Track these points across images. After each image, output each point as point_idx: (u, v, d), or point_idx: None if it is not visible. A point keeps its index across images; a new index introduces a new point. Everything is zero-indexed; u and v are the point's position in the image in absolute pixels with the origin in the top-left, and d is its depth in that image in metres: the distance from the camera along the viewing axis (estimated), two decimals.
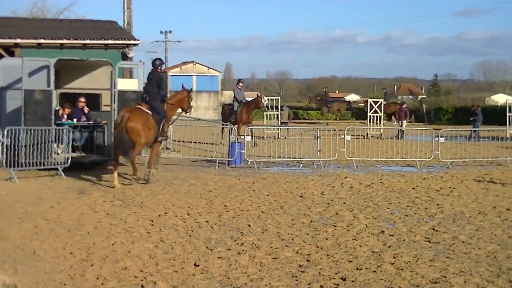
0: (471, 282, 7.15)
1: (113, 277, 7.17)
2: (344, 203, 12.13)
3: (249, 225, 10.01)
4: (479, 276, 7.34)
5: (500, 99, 68.95)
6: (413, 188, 14.22)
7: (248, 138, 18.77)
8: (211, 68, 60.76)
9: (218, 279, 7.24)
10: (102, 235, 9.09)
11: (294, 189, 13.68)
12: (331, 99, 55.94)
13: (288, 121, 29.95)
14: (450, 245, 8.91)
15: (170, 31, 76.81)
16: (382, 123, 31.36)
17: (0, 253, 7.94)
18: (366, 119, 31.21)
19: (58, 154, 14.56)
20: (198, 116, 33.32)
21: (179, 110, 15.17)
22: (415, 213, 11.34)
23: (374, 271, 7.55)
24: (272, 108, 27.42)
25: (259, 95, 24.30)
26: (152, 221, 10.18)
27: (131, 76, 18.91)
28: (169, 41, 73.84)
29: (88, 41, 19.70)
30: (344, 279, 7.24)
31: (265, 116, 27.95)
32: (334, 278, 7.27)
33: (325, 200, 12.47)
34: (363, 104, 44.58)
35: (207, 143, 20.66)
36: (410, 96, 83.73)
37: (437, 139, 18.71)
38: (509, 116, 29.65)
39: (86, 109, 16.19)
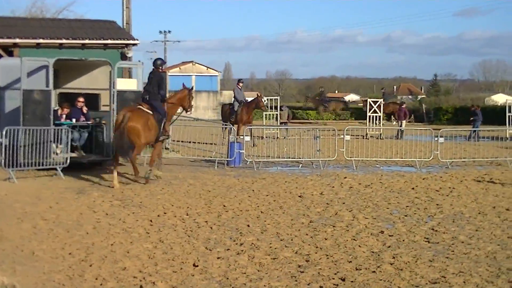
0: (471, 282, 7.14)
1: (112, 278, 7.16)
2: (344, 203, 12.12)
3: (248, 225, 10.00)
4: (479, 277, 7.33)
5: (499, 99, 68.89)
6: (413, 188, 14.21)
7: (247, 138, 18.77)
8: (210, 68, 60.65)
9: (217, 279, 7.23)
10: (101, 235, 9.08)
11: (293, 189, 13.67)
12: (328, 99, 55.79)
13: (288, 121, 29.95)
14: (449, 245, 8.90)
15: (169, 31, 76.19)
16: (381, 123, 31.36)
17: None
18: (365, 119, 31.20)
19: (57, 154, 14.55)
20: (197, 116, 33.28)
21: (180, 109, 15.17)
22: (415, 213, 11.33)
23: (374, 271, 7.54)
24: (271, 108, 27.43)
25: (259, 95, 24.31)
26: (151, 221, 10.17)
27: (130, 76, 18.93)
28: (168, 41, 73.72)
29: (87, 41, 19.70)
30: (343, 279, 7.23)
31: (264, 116, 27.95)
32: (333, 279, 7.26)
33: (324, 200, 12.46)
34: (361, 104, 44.54)
35: (206, 143, 20.65)
36: (410, 96, 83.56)
37: (436, 139, 18.70)
38: (509, 116, 29.64)
39: (85, 109, 16.16)
